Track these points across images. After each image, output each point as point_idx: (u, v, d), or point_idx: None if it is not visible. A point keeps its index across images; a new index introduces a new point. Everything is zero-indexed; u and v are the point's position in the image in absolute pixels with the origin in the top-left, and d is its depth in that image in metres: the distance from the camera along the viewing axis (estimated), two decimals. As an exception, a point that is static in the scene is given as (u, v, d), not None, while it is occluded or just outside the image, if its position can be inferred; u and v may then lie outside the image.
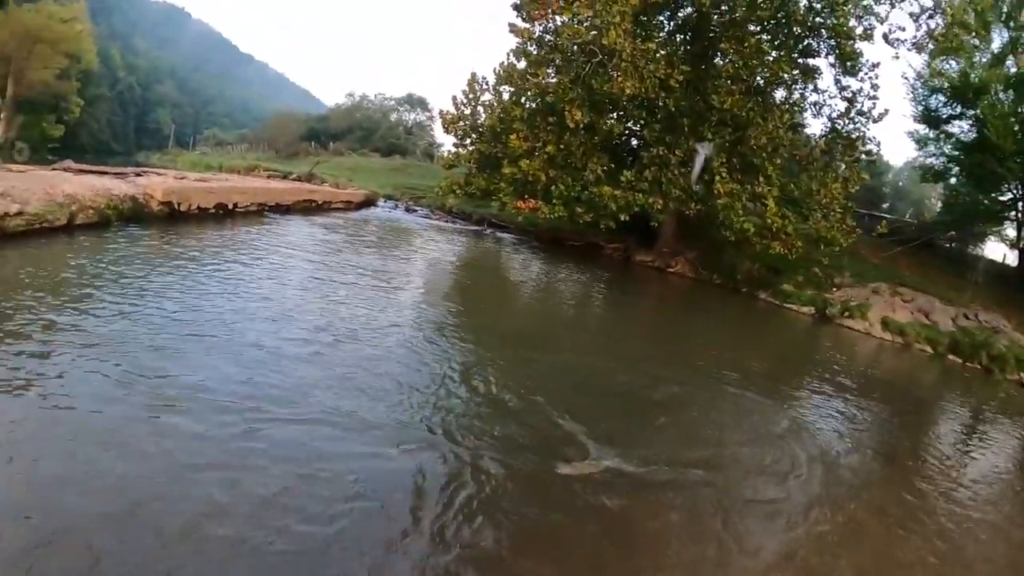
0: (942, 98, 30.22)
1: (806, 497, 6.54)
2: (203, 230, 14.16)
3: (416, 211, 30.03)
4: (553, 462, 5.89)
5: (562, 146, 22.27)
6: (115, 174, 15.09)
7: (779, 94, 23.95)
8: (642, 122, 24.23)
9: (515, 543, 4.65)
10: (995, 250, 36.74)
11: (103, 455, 4.59)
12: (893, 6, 22.29)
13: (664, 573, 4.83)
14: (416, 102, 71.58)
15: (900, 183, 52.88)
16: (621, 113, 24.35)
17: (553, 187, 22.33)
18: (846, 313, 20.76)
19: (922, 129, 32.22)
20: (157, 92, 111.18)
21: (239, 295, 9.33)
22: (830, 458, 7.87)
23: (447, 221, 28.07)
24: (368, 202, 27.34)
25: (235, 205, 16.96)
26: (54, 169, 14.53)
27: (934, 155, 33.24)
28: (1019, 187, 28.77)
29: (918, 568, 5.73)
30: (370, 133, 63.80)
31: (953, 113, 30.26)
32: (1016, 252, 31.81)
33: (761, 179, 21.64)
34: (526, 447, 6.14)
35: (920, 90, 31.07)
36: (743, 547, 5.33)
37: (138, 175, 15.74)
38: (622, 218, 22.10)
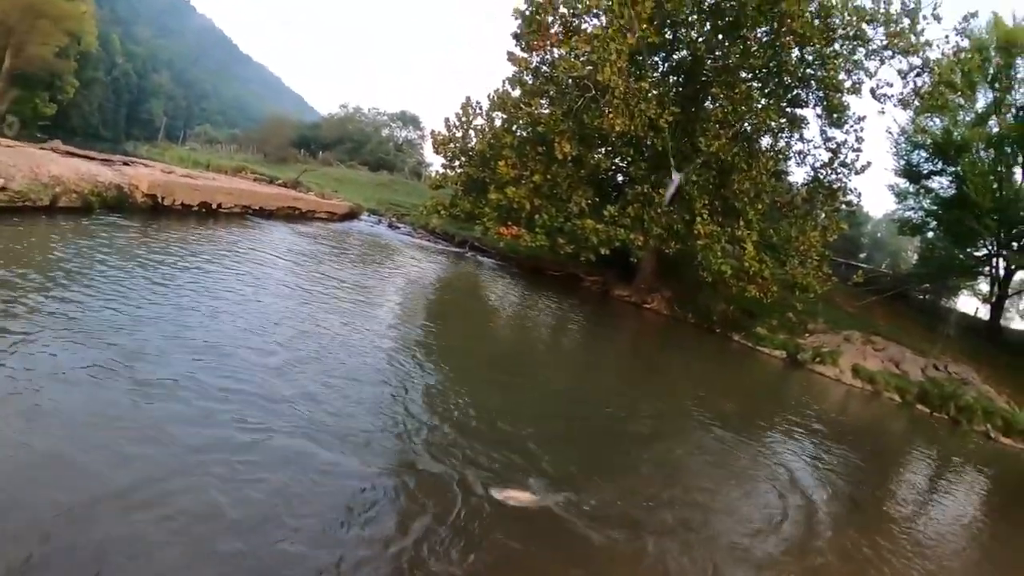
0: (924, 154, 31.66)
1: (775, 538, 6.65)
2: (185, 227, 14.13)
3: (399, 228, 30.11)
4: (508, 490, 5.81)
5: (549, 176, 22.48)
6: (102, 160, 15.11)
7: (765, 141, 24.62)
8: (629, 159, 24.66)
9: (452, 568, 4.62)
10: (967, 304, 38.13)
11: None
12: (883, 62, 22.74)
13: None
14: (409, 120, 71.80)
15: (878, 234, 53.58)
16: (609, 148, 24.76)
17: (537, 216, 22.48)
18: (817, 359, 21.12)
19: (903, 183, 33.63)
20: (152, 82, 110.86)
21: (215, 296, 9.29)
22: (799, 502, 7.92)
23: (429, 240, 28.15)
24: (352, 215, 27.37)
25: (219, 205, 16.91)
26: (42, 148, 14.55)
27: (913, 208, 34.52)
28: (994, 243, 29.78)
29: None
30: (360, 146, 63.82)
31: (934, 169, 31.75)
32: (988, 306, 32.71)
33: (742, 223, 21.94)
34: (489, 471, 6.12)
35: (903, 145, 32.51)
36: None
37: (125, 164, 15.78)
38: (602, 252, 22.27)
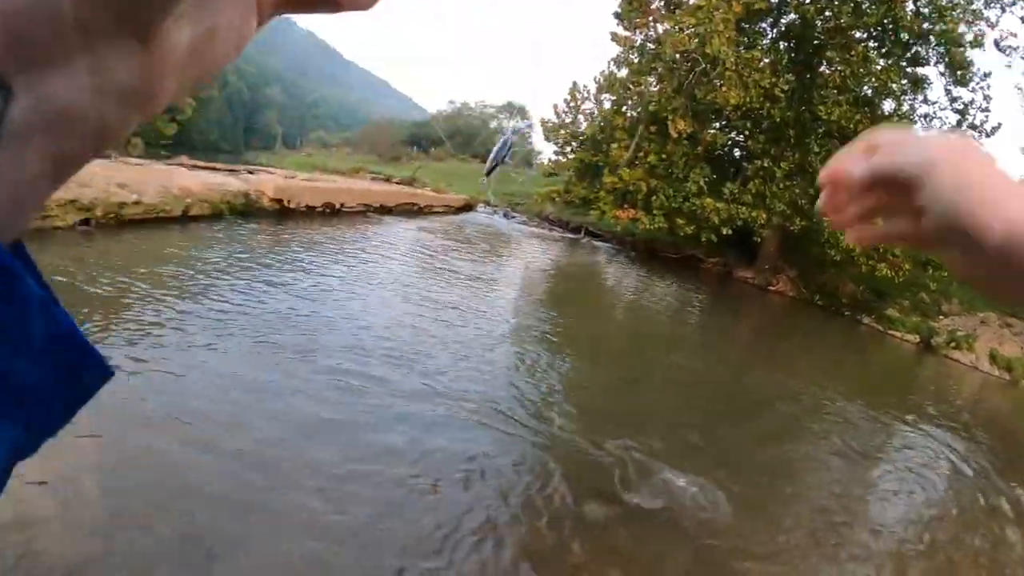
0: None
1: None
2: (312, 227, 14.64)
3: (514, 217, 30.09)
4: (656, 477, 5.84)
5: (664, 156, 22.09)
6: (228, 171, 15.61)
7: (888, 105, 23.17)
8: (746, 133, 23.83)
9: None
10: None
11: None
12: (1004, 10, 21.36)
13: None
14: (516, 110, 71.91)
15: None
16: (724, 123, 24.07)
17: (654, 197, 22.13)
18: (952, 344, 19.56)
19: None
20: (265, 95, 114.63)
21: (350, 285, 10.11)
22: (942, 510, 7.46)
23: (545, 228, 27.97)
24: (467, 207, 27.52)
25: (341, 205, 17.36)
26: (169, 164, 15.12)
27: None
28: None
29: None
30: (470, 139, 64.29)
31: None
32: None
33: None
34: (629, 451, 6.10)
35: None
36: None
37: (250, 172, 16.25)
38: (724, 231, 21.75)
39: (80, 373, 0.29)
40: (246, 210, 13.82)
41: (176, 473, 4.20)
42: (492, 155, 3.47)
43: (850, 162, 0.76)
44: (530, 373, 7.95)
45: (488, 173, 3.76)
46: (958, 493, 8.26)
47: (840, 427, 9.57)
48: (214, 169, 15.36)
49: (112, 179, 10.74)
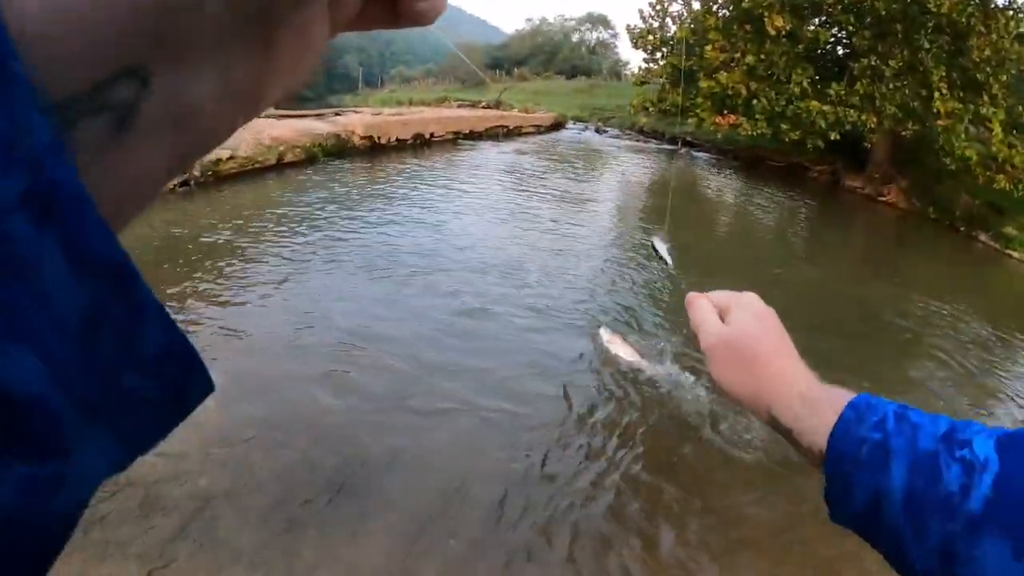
0: None
1: None
2: (405, 160, 14.81)
3: (606, 132, 29.29)
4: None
5: (763, 56, 20.80)
6: (315, 116, 15.76)
7: None
8: (850, 28, 21.82)
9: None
10: None
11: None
12: None
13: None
14: (597, 19, 70.15)
15: None
16: (826, 18, 22.52)
17: (755, 101, 20.96)
18: None
19: None
20: (341, 39, 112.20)
21: (452, 210, 10.73)
22: None
23: (639, 141, 27.13)
24: (557, 125, 26.99)
25: (431, 135, 17.32)
26: (258, 117, 15.20)
27: None
28: None
29: None
30: (552, 56, 63.26)
31: None
32: None
33: (986, 98, 19.04)
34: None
35: None
36: None
37: (337, 114, 16.31)
38: (831, 137, 20.48)
39: (186, 388, 0.28)
40: (339, 151, 14.04)
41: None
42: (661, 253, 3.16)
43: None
44: (631, 289, 8.35)
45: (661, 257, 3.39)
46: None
47: (961, 347, 8.92)
48: (302, 116, 15.49)
49: (206, 138, 10.86)
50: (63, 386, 0.22)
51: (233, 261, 7.21)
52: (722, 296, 0.93)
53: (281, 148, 12.48)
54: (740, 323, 0.88)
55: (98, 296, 0.22)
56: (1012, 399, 7.25)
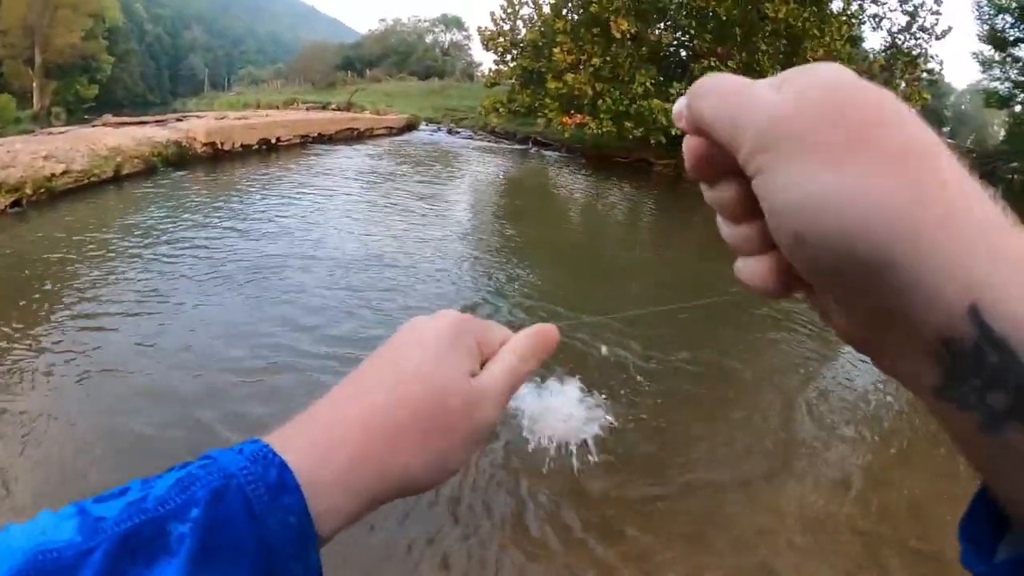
0: (1009, 18, 27.70)
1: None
2: (250, 167, 14.43)
3: (459, 133, 29.50)
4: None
5: (608, 58, 21.49)
6: (156, 122, 15.22)
7: (836, 4, 22.16)
8: (692, 32, 23.01)
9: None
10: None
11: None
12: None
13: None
14: (451, 22, 70.52)
15: (962, 106, 50.01)
16: (669, 23, 23.48)
17: (600, 101, 21.66)
18: None
19: (987, 50, 29.92)
20: (187, 39, 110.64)
21: (292, 219, 10.16)
22: None
23: (491, 141, 27.46)
24: (410, 127, 27.02)
25: (278, 139, 16.97)
26: (94, 126, 14.62)
27: (999, 79, 30.93)
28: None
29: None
30: (406, 57, 63.09)
31: (1021, 36, 28.07)
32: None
33: None
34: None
35: (986, 7, 28.48)
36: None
37: (179, 120, 15.81)
38: (673, 132, 21.33)
39: None
40: (180, 159, 13.50)
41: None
42: None
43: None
44: (487, 278, 8.58)
45: None
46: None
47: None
48: (141, 123, 14.92)
49: (37, 153, 10.39)
50: None
51: (73, 286, 6.77)
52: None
53: (119, 159, 11.77)
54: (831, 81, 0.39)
55: None
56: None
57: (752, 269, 0.44)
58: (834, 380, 6.61)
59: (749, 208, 0.42)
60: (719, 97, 0.43)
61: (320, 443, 0.50)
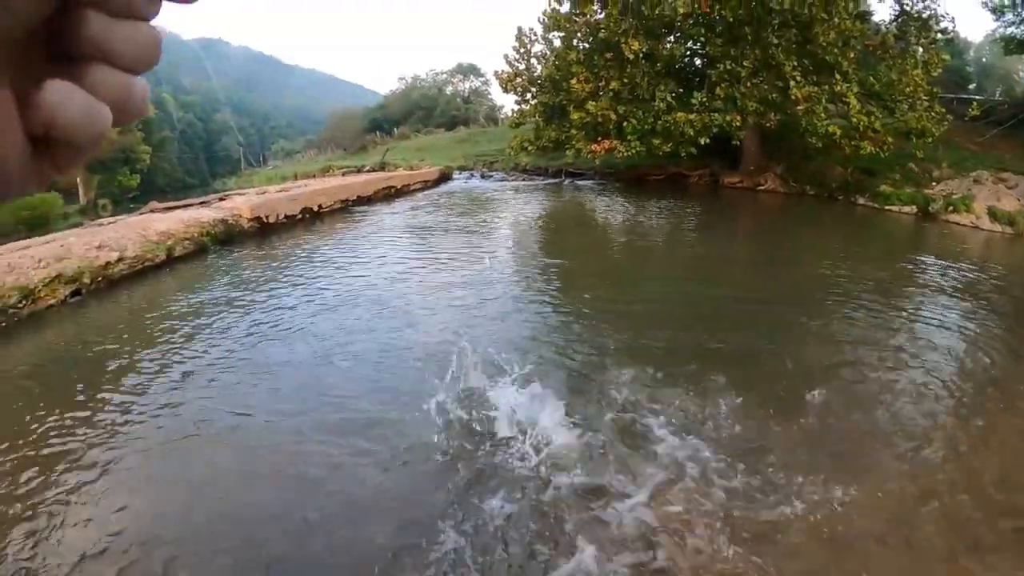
0: None
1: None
2: (297, 237, 14.56)
3: (492, 176, 29.72)
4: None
5: (625, 80, 21.72)
6: (200, 204, 15.45)
7: None
8: (702, 39, 23.14)
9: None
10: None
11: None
12: None
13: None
14: (467, 70, 71.27)
15: (984, 59, 48.83)
16: (678, 35, 23.63)
17: (624, 123, 21.83)
18: (950, 208, 19.29)
19: None
20: (217, 121, 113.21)
21: (351, 279, 10.34)
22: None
23: (524, 179, 27.66)
24: (444, 177, 27.27)
25: (320, 207, 17.18)
26: (141, 214, 14.99)
27: (1014, 23, 30.07)
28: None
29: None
30: (430, 111, 63.80)
31: None
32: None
33: (838, 77, 20.47)
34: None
35: None
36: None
37: (222, 199, 16.09)
38: (701, 142, 21.42)
39: None
40: (227, 236, 13.70)
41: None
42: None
43: None
44: (532, 314, 8.66)
45: None
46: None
47: (854, 303, 9.60)
48: (186, 206, 15.18)
49: (90, 244, 10.67)
50: None
51: (133, 372, 6.72)
52: None
53: (170, 243, 12.05)
54: None
55: None
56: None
57: None
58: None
59: None
60: None
61: None
